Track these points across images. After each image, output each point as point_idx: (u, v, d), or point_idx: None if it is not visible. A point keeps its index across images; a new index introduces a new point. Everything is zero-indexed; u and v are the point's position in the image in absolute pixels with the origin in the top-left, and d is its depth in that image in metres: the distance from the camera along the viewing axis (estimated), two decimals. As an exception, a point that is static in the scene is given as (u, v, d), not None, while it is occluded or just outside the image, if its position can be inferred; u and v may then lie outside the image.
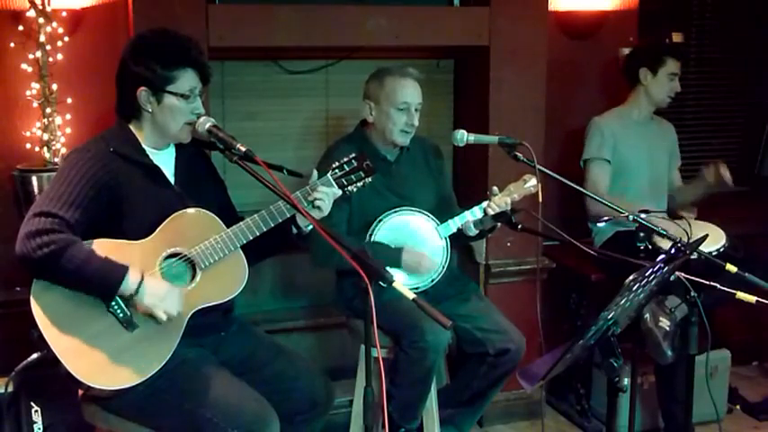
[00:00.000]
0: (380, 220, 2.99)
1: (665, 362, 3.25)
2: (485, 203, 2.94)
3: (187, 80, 2.34)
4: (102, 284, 2.19)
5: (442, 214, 3.04)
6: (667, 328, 3.21)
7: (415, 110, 3.03)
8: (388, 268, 2.86)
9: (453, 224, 2.99)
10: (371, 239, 2.98)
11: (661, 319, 3.23)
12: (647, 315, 3.22)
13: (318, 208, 2.41)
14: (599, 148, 3.71)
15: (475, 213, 2.96)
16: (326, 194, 2.41)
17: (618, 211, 2.78)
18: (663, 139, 3.88)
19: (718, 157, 4.53)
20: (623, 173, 3.74)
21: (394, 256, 2.93)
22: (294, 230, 2.49)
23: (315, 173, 2.47)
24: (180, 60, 2.33)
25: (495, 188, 2.96)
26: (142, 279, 2.21)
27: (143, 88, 2.33)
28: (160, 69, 2.31)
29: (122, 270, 2.19)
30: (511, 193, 2.96)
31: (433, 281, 2.99)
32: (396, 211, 3.01)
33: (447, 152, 3.67)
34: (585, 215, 3.73)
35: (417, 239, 3.00)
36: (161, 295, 2.23)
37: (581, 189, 3.10)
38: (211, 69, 2.42)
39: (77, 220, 2.20)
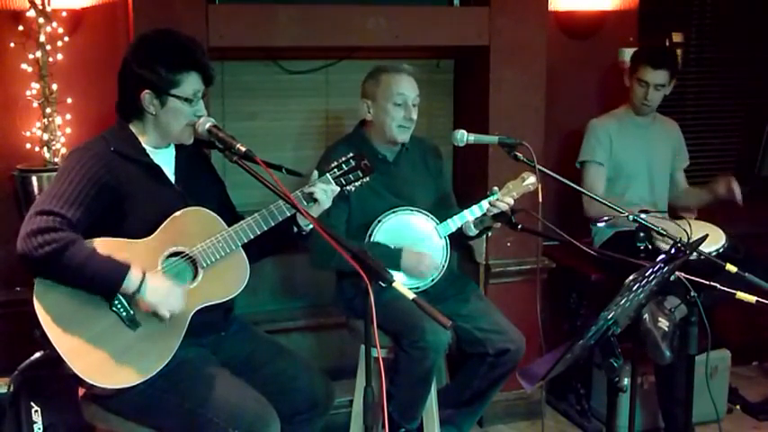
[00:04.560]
0: (380, 221, 2.98)
1: (663, 362, 3.24)
2: (485, 203, 2.93)
3: (191, 83, 2.33)
4: (103, 283, 2.19)
5: (441, 214, 3.03)
6: (666, 329, 3.20)
7: (413, 105, 3.03)
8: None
9: (453, 223, 2.99)
10: (371, 240, 2.97)
11: (660, 319, 3.22)
12: (646, 316, 3.22)
13: (316, 200, 2.41)
14: (593, 150, 3.71)
15: (474, 213, 2.96)
16: (325, 190, 2.42)
17: (618, 211, 2.78)
18: (665, 140, 3.85)
19: (717, 157, 4.56)
20: (622, 174, 3.73)
21: (394, 257, 2.93)
22: (295, 230, 2.49)
23: (315, 173, 2.48)
24: (184, 64, 2.32)
25: (495, 188, 2.96)
26: (144, 277, 2.21)
27: (147, 91, 2.31)
28: (165, 73, 2.30)
29: (124, 268, 2.19)
30: (510, 191, 2.95)
31: (433, 280, 2.99)
32: (395, 212, 3.00)
33: (447, 152, 3.67)
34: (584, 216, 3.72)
35: (417, 239, 3.00)
36: (164, 293, 2.23)
37: (581, 189, 3.11)
38: (214, 71, 2.41)
39: (79, 218, 2.20)
